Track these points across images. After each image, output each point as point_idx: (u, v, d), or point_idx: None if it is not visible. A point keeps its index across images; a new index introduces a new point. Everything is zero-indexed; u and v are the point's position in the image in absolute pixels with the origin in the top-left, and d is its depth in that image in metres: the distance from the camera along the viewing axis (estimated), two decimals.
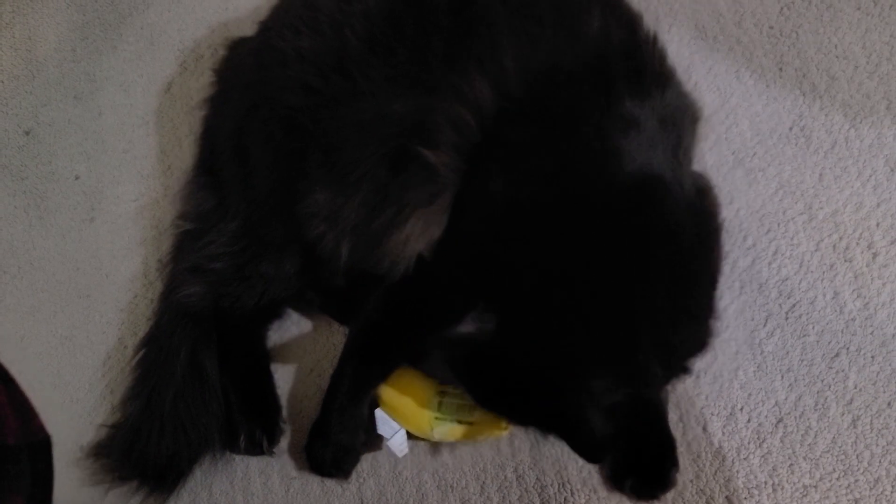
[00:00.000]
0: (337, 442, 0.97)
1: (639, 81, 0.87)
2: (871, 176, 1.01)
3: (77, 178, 1.29)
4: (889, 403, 0.91)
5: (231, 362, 1.05)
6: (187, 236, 1.13)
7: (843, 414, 0.92)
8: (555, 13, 0.90)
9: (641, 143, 0.83)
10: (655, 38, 0.94)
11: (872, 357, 0.93)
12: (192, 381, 1.03)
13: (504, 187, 0.85)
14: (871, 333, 0.94)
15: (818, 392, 0.93)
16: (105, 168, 1.28)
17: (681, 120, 0.90)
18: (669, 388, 0.93)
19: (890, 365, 0.93)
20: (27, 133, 1.34)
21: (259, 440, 1.01)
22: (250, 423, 1.02)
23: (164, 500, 1.03)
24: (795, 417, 0.92)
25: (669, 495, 0.91)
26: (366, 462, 1.02)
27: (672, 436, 0.92)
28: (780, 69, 1.10)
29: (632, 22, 0.94)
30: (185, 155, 1.25)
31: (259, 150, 1.02)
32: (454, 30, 0.91)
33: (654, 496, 0.92)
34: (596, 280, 0.80)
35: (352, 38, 0.96)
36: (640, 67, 0.88)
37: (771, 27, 1.12)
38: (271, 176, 1.01)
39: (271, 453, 1.03)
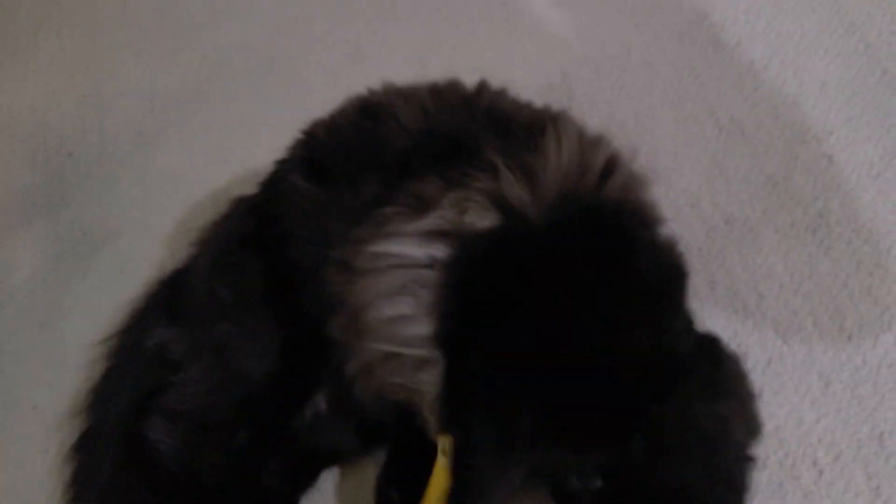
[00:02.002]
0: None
1: None
2: (807, 392, 1.05)
3: (35, 407, 1.29)
4: None
5: None
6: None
7: None
8: None
9: None
10: None
11: None
12: None
13: None
14: None
15: None
16: (63, 397, 1.28)
17: None
18: None
19: None
20: None
21: None
22: None
23: None
24: None
25: None
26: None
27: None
28: (712, 288, 1.17)
29: None
30: None
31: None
32: None
33: None
34: None
35: None
36: None
37: (699, 249, 1.21)
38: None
39: None
